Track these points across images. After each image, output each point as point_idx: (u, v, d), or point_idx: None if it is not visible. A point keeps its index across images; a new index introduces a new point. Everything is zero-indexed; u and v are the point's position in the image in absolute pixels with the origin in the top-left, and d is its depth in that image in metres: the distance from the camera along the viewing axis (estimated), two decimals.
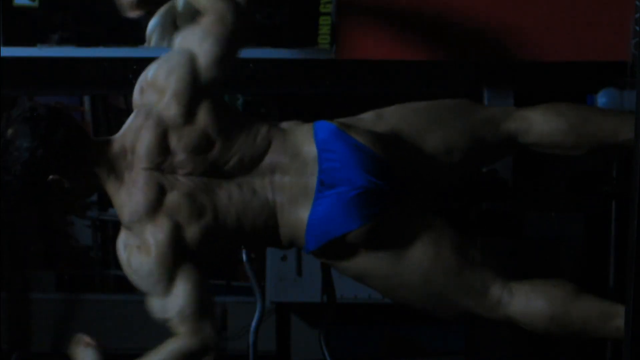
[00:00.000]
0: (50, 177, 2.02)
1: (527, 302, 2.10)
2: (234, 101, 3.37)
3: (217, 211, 2.05)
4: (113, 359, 2.32)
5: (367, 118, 2.17)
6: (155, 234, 2.02)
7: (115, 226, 3.81)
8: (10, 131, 2.01)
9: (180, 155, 2.06)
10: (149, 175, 2.05)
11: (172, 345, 2.02)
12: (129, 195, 2.05)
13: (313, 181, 2.05)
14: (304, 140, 2.10)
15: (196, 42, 2.11)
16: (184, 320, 2.02)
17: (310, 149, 2.08)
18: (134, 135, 2.08)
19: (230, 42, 2.13)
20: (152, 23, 2.68)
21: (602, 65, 2.62)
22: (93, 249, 3.80)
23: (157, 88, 2.09)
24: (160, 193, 2.04)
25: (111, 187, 2.08)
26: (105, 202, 2.16)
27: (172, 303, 2.03)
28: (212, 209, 2.05)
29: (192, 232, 2.04)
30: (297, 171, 2.07)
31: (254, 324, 2.78)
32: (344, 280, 2.43)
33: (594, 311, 2.08)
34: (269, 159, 2.08)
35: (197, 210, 2.04)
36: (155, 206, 2.03)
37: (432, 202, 2.22)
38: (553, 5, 2.62)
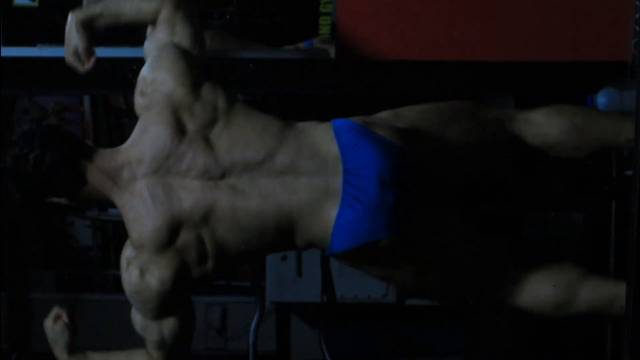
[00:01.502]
0: (48, 200, 2.06)
1: (534, 292, 2.12)
2: None
3: (224, 230, 2.02)
4: None
5: (384, 116, 2.14)
6: (161, 269, 2.01)
7: (115, 226, 3.82)
8: (8, 159, 2.05)
9: (188, 138, 2.04)
10: (154, 189, 2.02)
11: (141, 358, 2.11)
12: (137, 216, 2.03)
13: (337, 181, 1.99)
14: (324, 139, 2.04)
15: (168, 33, 2.17)
16: (162, 349, 2.08)
17: (331, 148, 2.02)
18: (140, 137, 2.06)
19: (194, 18, 2.19)
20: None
21: (602, 65, 2.62)
22: (93, 249, 3.80)
23: (159, 83, 2.10)
24: (170, 228, 2.01)
25: (117, 200, 2.07)
26: (106, 202, 2.15)
27: (156, 330, 2.06)
28: (219, 230, 2.02)
29: (198, 271, 2.03)
30: (316, 171, 2.01)
31: (254, 324, 2.78)
32: (344, 280, 2.44)
33: (597, 295, 2.11)
34: (280, 159, 2.02)
35: (204, 248, 2.02)
36: (165, 243, 2.01)
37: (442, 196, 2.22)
38: (553, 5, 2.62)
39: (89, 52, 2.25)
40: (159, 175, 2.04)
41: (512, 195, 2.75)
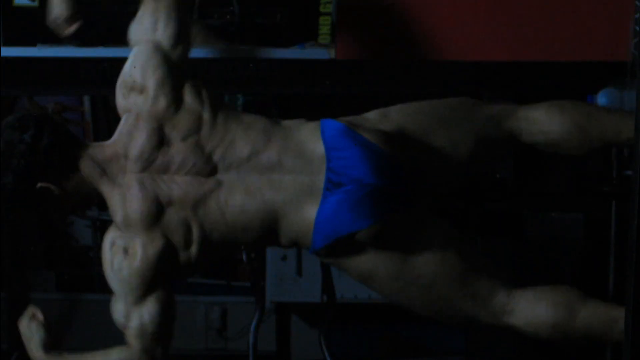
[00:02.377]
0: (39, 184, 2.04)
1: (531, 310, 2.09)
2: (234, 101, 3.37)
3: (210, 223, 2.04)
4: None
5: (372, 117, 2.14)
6: (146, 247, 2.03)
7: None
8: (1, 142, 2.05)
9: (175, 146, 2.06)
10: (143, 180, 2.05)
11: (121, 355, 2.07)
12: (124, 199, 2.05)
13: (320, 180, 2.02)
14: (310, 138, 2.06)
15: (150, 29, 2.15)
16: (141, 337, 2.06)
17: (317, 147, 2.04)
18: (126, 139, 2.08)
19: (178, 13, 2.16)
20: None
21: (602, 65, 2.61)
22: (93, 249, 3.80)
23: (138, 88, 2.11)
24: (157, 207, 2.03)
25: (105, 189, 2.08)
26: (90, 200, 2.16)
27: (137, 315, 2.05)
28: (206, 222, 2.04)
29: (183, 255, 2.05)
30: (301, 170, 2.04)
31: (253, 324, 2.79)
32: (344, 280, 2.43)
33: (597, 317, 2.08)
34: (266, 156, 2.05)
35: (190, 233, 2.04)
36: (152, 221, 2.03)
37: (435, 202, 2.22)
38: (553, 5, 2.62)
39: (72, 21, 2.30)
40: (148, 172, 2.06)
41: (512, 195, 2.75)
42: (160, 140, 2.07)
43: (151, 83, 2.09)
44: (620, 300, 2.05)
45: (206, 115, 2.09)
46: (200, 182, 2.05)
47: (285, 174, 2.05)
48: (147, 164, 2.06)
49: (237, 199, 2.04)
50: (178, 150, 2.06)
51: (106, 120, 3.61)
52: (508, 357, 2.81)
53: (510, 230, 2.84)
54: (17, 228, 3.65)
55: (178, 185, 2.05)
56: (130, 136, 2.08)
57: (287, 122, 2.13)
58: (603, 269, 2.73)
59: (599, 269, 2.76)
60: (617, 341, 2.06)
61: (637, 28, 2.59)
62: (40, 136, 2.04)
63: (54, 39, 2.61)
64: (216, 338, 3.82)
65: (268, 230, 2.06)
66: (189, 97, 2.10)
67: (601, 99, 2.57)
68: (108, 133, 3.57)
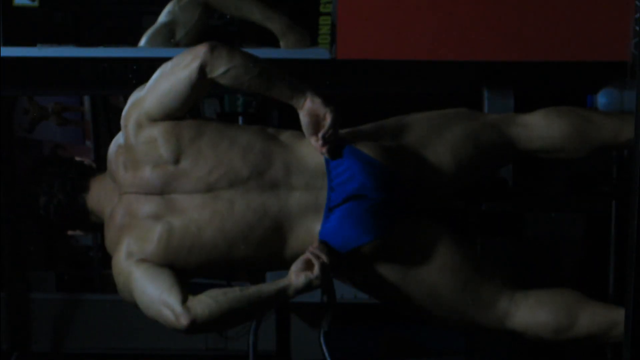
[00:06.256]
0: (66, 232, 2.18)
1: (532, 315, 2.10)
2: (234, 101, 3.37)
3: (209, 240, 2.03)
4: (113, 359, 2.31)
5: (369, 130, 2.14)
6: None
7: None
8: (24, 200, 2.14)
9: (147, 172, 2.03)
10: (125, 207, 2.05)
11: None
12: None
13: (323, 195, 2.02)
14: (311, 153, 2.04)
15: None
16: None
17: (318, 163, 2.03)
18: (115, 165, 2.08)
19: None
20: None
21: (602, 65, 2.62)
22: (93, 249, 3.80)
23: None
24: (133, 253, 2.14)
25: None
26: None
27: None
28: (205, 241, 2.03)
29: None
30: (305, 186, 2.03)
31: (254, 324, 2.78)
32: None
33: (596, 321, 2.09)
34: (269, 175, 2.02)
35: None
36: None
37: (435, 207, 2.21)
38: (553, 5, 2.62)
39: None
40: (129, 195, 2.05)
41: (512, 196, 2.74)
42: (131, 165, 2.05)
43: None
44: (620, 301, 2.06)
45: (188, 157, 2.03)
46: (199, 199, 2.01)
47: (290, 190, 2.02)
48: (127, 187, 2.05)
49: (237, 211, 2.00)
50: (152, 175, 2.03)
51: (106, 120, 3.61)
52: (508, 357, 2.82)
53: (510, 230, 2.84)
54: (17, 228, 3.66)
55: (171, 204, 2.03)
56: (116, 159, 2.08)
57: (285, 137, 2.09)
58: (603, 269, 2.73)
59: (599, 269, 2.76)
60: (616, 342, 2.06)
61: (637, 28, 2.59)
62: (49, 203, 2.10)
63: (54, 39, 2.62)
64: (216, 338, 3.82)
65: (271, 245, 2.03)
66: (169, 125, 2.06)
67: (601, 99, 2.57)
68: (108, 133, 3.58)
